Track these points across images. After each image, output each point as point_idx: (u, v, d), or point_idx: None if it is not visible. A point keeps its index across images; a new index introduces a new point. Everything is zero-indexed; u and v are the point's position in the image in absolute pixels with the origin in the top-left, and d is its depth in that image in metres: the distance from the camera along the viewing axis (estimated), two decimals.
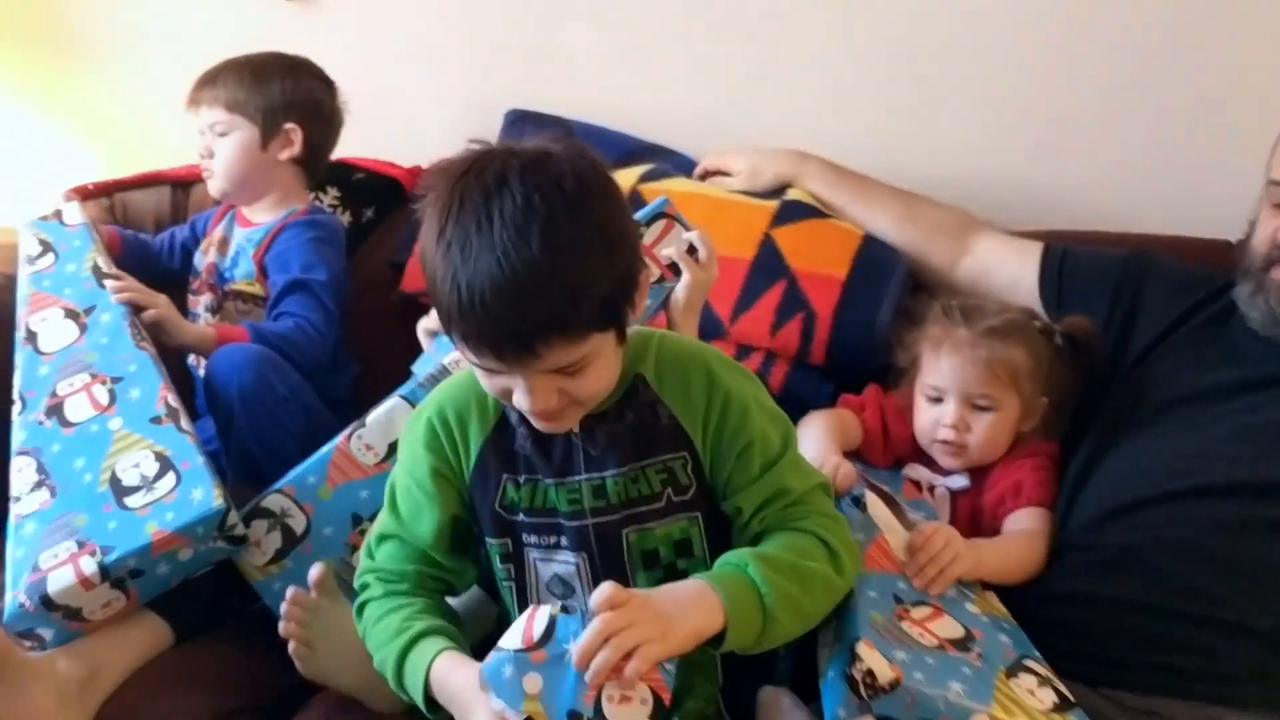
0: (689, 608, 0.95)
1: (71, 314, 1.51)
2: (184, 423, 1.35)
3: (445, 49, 2.07)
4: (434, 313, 1.30)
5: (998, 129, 1.84)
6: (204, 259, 1.74)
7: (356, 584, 1.13)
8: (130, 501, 1.28)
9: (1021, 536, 1.33)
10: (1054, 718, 1.04)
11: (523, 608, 1.06)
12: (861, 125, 1.89)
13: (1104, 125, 1.80)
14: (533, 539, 1.09)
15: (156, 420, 1.36)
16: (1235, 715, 1.13)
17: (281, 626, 1.21)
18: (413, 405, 1.32)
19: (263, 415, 1.43)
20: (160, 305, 1.53)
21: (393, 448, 1.31)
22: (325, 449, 1.35)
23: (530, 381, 0.96)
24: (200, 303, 1.70)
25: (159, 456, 1.31)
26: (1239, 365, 1.37)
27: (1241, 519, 1.22)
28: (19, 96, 2.23)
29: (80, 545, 1.24)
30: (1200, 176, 1.73)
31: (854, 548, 1.09)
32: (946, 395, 1.40)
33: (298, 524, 1.33)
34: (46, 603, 1.21)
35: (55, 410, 1.39)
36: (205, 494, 1.26)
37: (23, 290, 1.58)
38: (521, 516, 1.08)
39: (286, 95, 1.70)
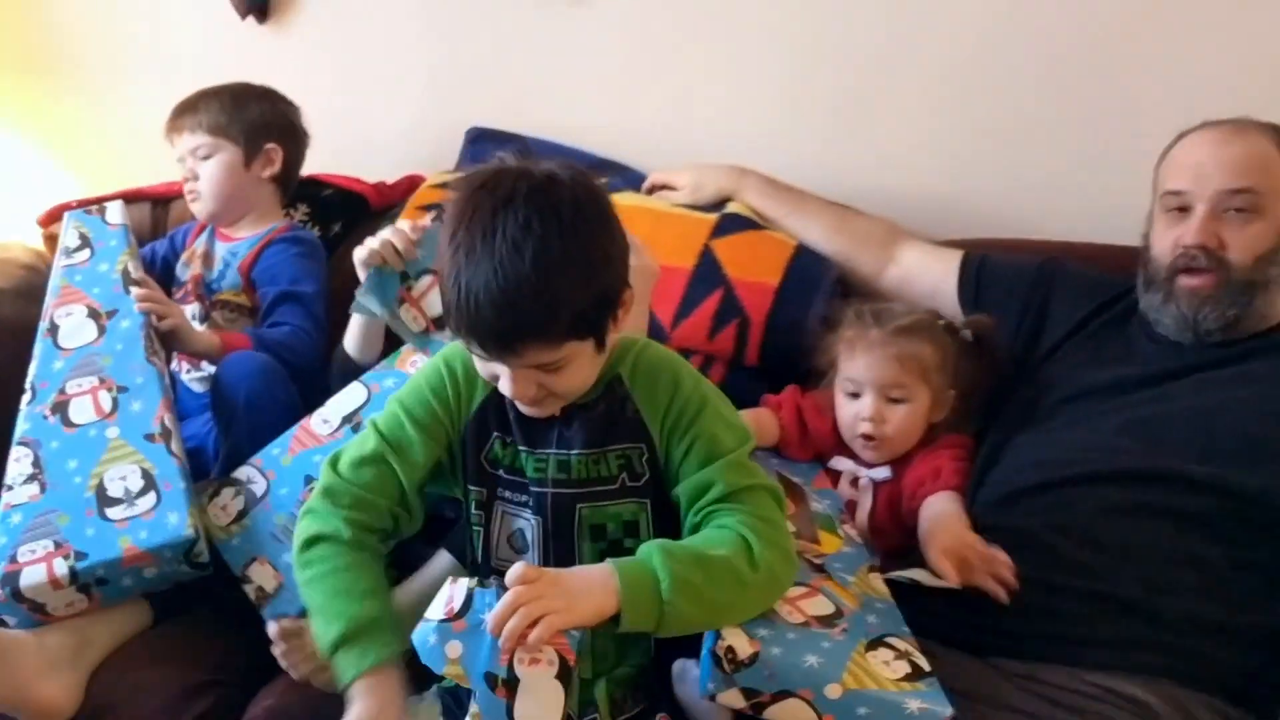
0: (593, 588, 1.07)
1: (94, 314, 1.58)
2: (174, 445, 1.44)
3: (408, 70, 2.17)
4: (366, 243, 1.47)
5: (922, 145, 1.95)
6: (188, 270, 1.84)
7: (316, 502, 1.20)
8: (111, 513, 1.37)
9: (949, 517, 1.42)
10: (902, 685, 1.14)
11: (487, 553, 1.20)
12: (797, 141, 1.99)
13: (1021, 141, 1.90)
14: (505, 494, 1.21)
15: (150, 437, 1.44)
16: (1103, 677, 1.23)
17: (275, 650, 1.32)
18: (367, 387, 1.47)
19: (264, 421, 1.53)
20: (176, 315, 1.63)
21: (345, 419, 1.45)
22: (292, 429, 1.47)
23: (513, 373, 1.09)
24: (187, 311, 1.79)
25: (145, 473, 1.40)
26: (1132, 364, 1.49)
27: (1123, 504, 1.34)
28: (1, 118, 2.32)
29: (57, 546, 1.34)
30: (1111, 187, 1.82)
31: (789, 553, 1.16)
32: (863, 389, 1.52)
33: (259, 488, 1.44)
34: (16, 594, 1.32)
35: (61, 408, 1.48)
36: (180, 520, 1.36)
37: (55, 281, 1.64)
38: (501, 472, 1.20)
39: (265, 116, 1.82)
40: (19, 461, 1.44)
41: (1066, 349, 1.57)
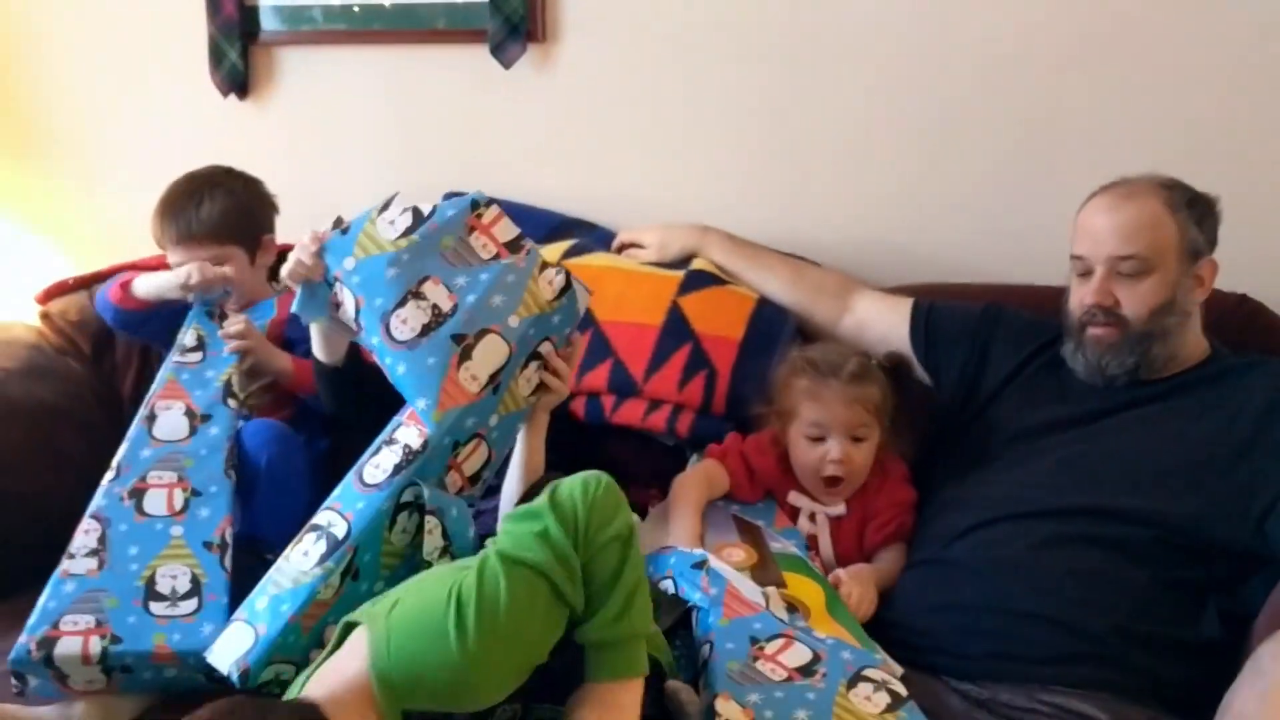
0: (617, 702, 1.22)
1: (190, 414, 1.67)
2: (227, 560, 1.52)
3: (382, 140, 2.27)
4: (287, 262, 1.53)
5: (871, 198, 2.08)
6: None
7: None
8: (155, 607, 1.45)
9: (894, 566, 1.63)
10: (885, 717, 1.27)
11: None
12: (754, 199, 2.12)
13: (961, 191, 2.03)
14: None
15: (209, 545, 1.52)
16: (1056, 696, 1.36)
17: None
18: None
19: (282, 483, 1.64)
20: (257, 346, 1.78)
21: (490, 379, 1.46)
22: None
23: None
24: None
25: (195, 579, 1.48)
26: (1065, 404, 1.64)
27: (1059, 536, 1.48)
28: None
29: (99, 624, 1.41)
30: (1046, 231, 1.89)
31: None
32: (829, 433, 1.66)
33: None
34: (48, 660, 1.39)
35: (137, 494, 1.56)
36: (213, 632, 1.41)
37: (163, 374, 1.74)
38: None
39: (256, 211, 1.92)
40: (87, 534, 1.51)
41: (1008, 391, 1.71)
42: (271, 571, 1.42)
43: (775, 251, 1.99)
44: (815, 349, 1.74)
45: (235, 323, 1.79)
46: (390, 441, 1.48)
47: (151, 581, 1.47)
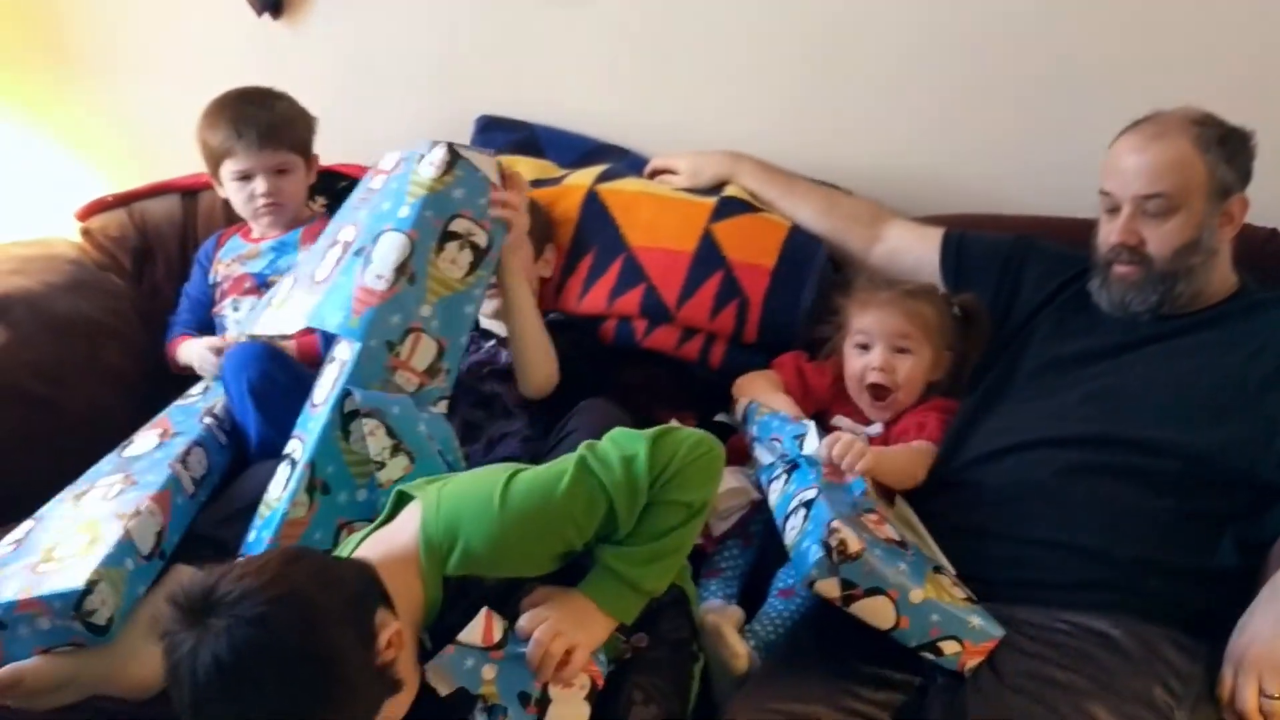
0: (589, 614, 1.25)
1: (164, 434, 1.66)
2: (134, 523, 1.45)
3: (417, 61, 2.26)
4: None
5: (906, 129, 2.08)
6: (228, 272, 1.96)
7: None
8: (41, 568, 1.40)
9: (912, 452, 1.62)
10: (966, 603, 1.37)
11: None
12: (788, 127, 2.11)
13: (996, 117, 2.03)
14: None
15: (121, 515, 1.47)
16: (1074, 615, 1.41)
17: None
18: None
19: (274, 402, 1.66)
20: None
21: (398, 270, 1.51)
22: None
23: None
24: (245, 305, 1.91)
25: (90, 541, 1.43)
26: (1093, 337, 1.65)
27: (1082, 464, 1.51)
28: (22, 115, 2.38)
29: None
30: (1083, 162, 1.84)
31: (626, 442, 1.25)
32: (873, 340, 1.70)
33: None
34: None
35: (81, 496, 1.55)
36: (76, 575, 1.36)
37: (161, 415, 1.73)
38: None
39: (311, 127, 1.95)
40: (20, 527, 1.50)
41: (1036, 322, 1.73)
42: (260, 505, 1.52)
43: (808, 179, 1.99)
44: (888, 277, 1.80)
45: None
46: (330, 360, 1.57)
47: (50, 550, 1.44)
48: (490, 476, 1.25)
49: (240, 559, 1.19)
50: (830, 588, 1.33)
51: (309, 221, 1.96)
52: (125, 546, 1.43)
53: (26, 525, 1.51)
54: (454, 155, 1.57)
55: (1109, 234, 1.62)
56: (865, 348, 1.71)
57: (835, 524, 1.34)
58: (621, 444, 1.25)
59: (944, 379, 1.74)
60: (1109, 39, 1.96)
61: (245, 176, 1.89)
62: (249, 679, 1.04)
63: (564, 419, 1.66)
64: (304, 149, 1.94)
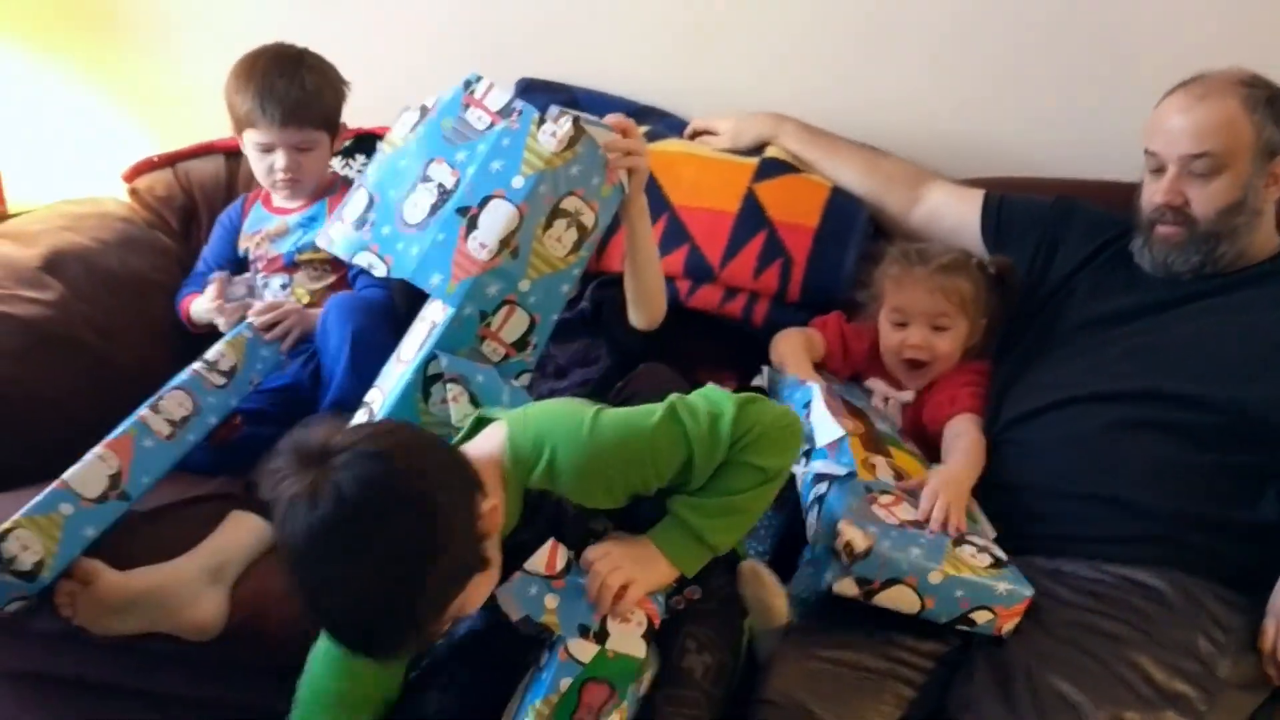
0: (652, 559, 1.28)
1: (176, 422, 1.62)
2: (72, 470, 1.46)
3: (456, 21, 2.25)
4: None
5: (940, 87, 2.09)
6: (262, 252, 1.96)
7: None
8: None
9: (976, 446, 1.60)
10: (990, 571, 1.38)
11: None
12: (830, 90, 2.13)
13: (1035, 80, 2.04)
14: None
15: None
16: (1119, 568, 1.44)
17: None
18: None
19: (370, 356, 1.64)
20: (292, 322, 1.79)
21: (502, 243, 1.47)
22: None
23: None
24: (274, 283, 1.94)
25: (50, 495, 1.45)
26: (1133, 294, 1.67)
27: (1123, 420, 1.53)
28: (70, 75, 2.39)
29: None
30: (1122, 126, 1.86)
31: (713, 400, 1.27)
32: (911, 319, 1.72)
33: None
34: None
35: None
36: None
37: (182, 381, 1.66)
38: None
39: (340, 96, 1.93)
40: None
41: (1075, 282, 1.74)
42: None
43: (849, 141, 2.01)
44: (919, 244, 1.79)
45: (268, 311, 1.78)
46: (421, 319, 1.55)
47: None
48: (577, 406, 1.28)
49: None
50: (848, 587, 1.35)
51: (333, 190, 1.96)
52: (58, 494, 1.45)
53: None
54: (579, 131, 1.51)
55: (1153, 194, 1.63)
56: (902, 325, 1.73)
57: (840, 525, 1.36)
58: (711, 400, 1.27)
59: (979, 342, 1.76)
60: (1152, 4, 1.96)
61: (267, 149, 1.88)
62: (366, 514, 1.07)
63: (624, 380, 1.65)
64: (330, 124, 1.91)
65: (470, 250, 1.47)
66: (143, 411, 1.58)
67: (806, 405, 1.57)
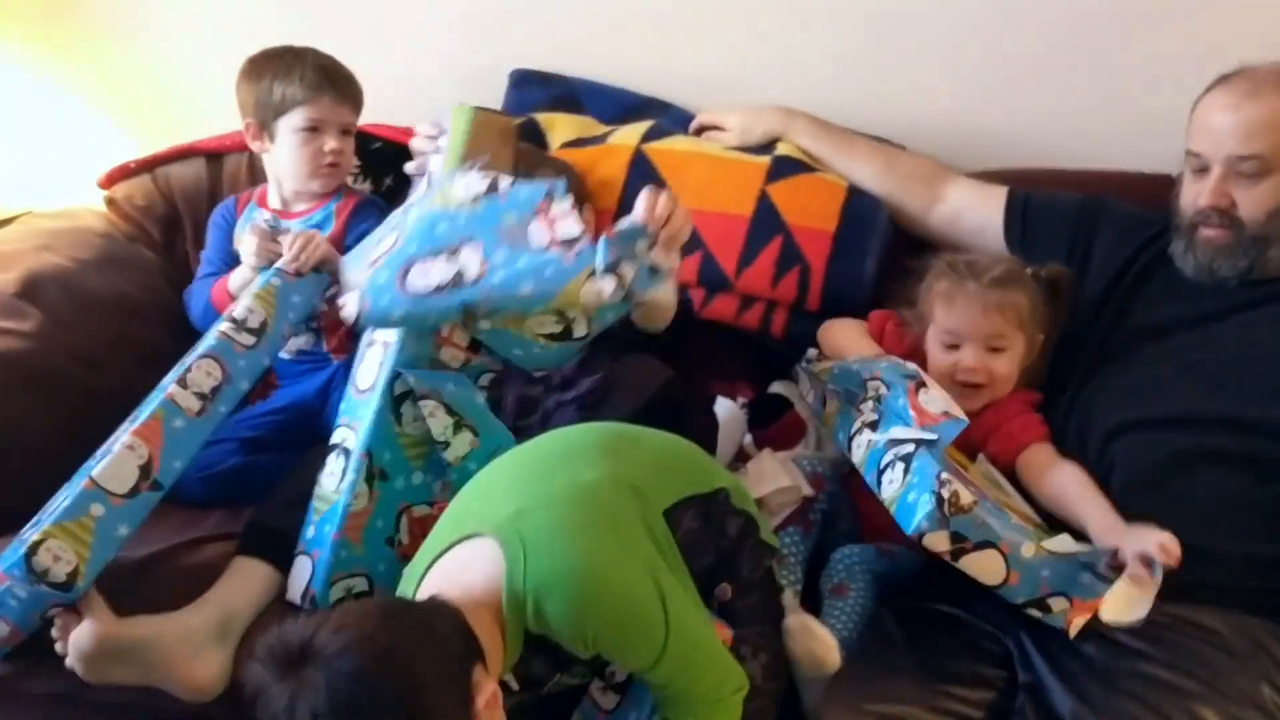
0: None
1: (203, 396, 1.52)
2: (100, 466, 1.40)
3: (447, 13, 2.16)
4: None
5: (955, 75, 2.00)
6: None
7: None
8: (26, 531, 1.39)
9: (1091, 483, 1.47)
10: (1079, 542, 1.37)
11: None
12: (837, 78, 2.03)
13: (1056, 68, 1.95)
14: None
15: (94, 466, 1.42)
16: (1176, 608, 1.35)
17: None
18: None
19: None
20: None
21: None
22: None
23: None
24: None
25: (81, 494, 1.38)
26: (1178, 302, 1.59)
27: (1184, 449, 1.46)
28: (42, 74, 2.28)
29: None
30: (1148, 113, 1.86)
31: None
32: (964, 341, 1.58)
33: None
34: None
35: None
36: (26, 538, 1.35)
37: (208, 345, 1.57)
38: None
39: None
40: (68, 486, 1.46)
41: (1117, 291, 1.66)
42: (313, 499, 1.49)
43: (863, 136, 1.92)
44: (966, 254, 1.65)
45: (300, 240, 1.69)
46: (369, 344, 1.52)
47: (40, 515, 1.41)
48: (573, 535, 1.20)
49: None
50: (940, 540, 1.30)
51: (339, 196, 1.87)
52: (87, 495, 1.39)
53: (68, 486, 1.48)
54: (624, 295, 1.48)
55: (1197, 195, 1.55)
56: (954, 346, 1.59)
57: (945, 475, 1.30)
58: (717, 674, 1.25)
59: (1036, 362, 1.63)
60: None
61: (315, 129, 1.79)
62: None
63: (609, 373, 1.60)
64: (359, 116, 1.87)
65: (455, 338, 1.51)
66: (169, 388, 1.49)
67: (909, 378, 1.48)
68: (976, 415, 1.59)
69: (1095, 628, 1.34)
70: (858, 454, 1.48)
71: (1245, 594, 1.39)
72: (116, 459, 1.42)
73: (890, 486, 1.38)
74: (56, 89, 2.30)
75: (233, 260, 1.87)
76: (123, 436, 1.45)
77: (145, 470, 1.43)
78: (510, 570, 1.16)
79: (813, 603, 1.52)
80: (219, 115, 1.95)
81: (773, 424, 1.77)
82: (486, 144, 1.63)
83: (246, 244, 1.75)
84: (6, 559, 1.35)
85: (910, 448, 1.39)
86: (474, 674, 1.09)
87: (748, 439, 1.77)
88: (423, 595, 1.18)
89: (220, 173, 2.08)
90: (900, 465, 1.38)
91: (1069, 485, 1.48)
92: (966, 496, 1.28)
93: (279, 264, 1.66)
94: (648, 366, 1.59)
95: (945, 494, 1.28)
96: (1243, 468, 1.44)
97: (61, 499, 1.42)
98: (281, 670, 1.03)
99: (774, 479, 1.57)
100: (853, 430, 1.51)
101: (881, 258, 1.79)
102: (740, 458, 1.71)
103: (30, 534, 1.36)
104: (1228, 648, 1.33)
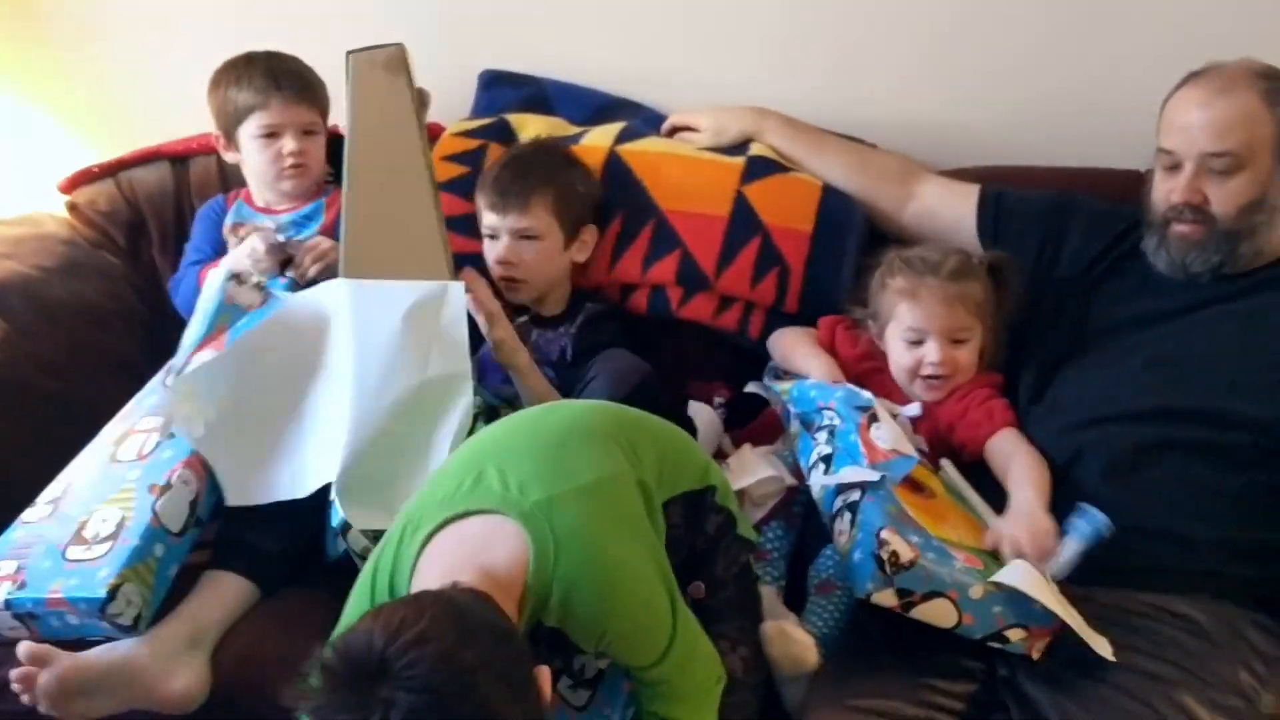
0: None
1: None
2: (161, 503, 1.41)
3: (418, 14, 2.11)
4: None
5: (928, 74, 2.00)
6: None
7: None
8: (71, 552, 1.37)
9: (1037, 466, 1.52)
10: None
11: None
12: (803, 76, 2.03)
13: (1027, 65, 1.96)
14: None
15: (153, 488, 1.42)
16: (1154, 596, 1.39)
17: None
18: None
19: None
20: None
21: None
22: None
23: None
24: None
25: (120, 522, 1.38)
26: (1149, 297, 1.61)
27: (1154, 440, 1.48)
28: (4, 80, 2.23)
29: (16, 571, 1.36)
30: (1120, 110, 1.83)
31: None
32: (928, 336, 1.61)
33: None
34: None
35: (121, 441, 1.50)
36: (105, 577, 1.33)
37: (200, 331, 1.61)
38: None
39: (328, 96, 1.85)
40: (57, 481, 1.47)
41: (1088, 282, 1.68)
42: None
43: (835, 135, 1.93)
44: (913, 249, 1.69)
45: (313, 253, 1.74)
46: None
47: (83, 526, 1.40)
48: (604, 533, 1.20)
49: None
50: (888, 597, 1.32)
51: (327, 191, 1.86)
52: (154, 533, 1.39)
53: (65, 479, 1.48)
54: None
55: (1169, 192, 1.57)
56: (918, 343, 1.62)
57: (884, 534, 1.32)
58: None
59: (992, 347, 1.67)
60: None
61: (272, 134, 1.79)
62: None
63: (587, 367, 1.64)
64: (326, 114, 1.85)
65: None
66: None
67: (862, 409, 1.51)
68: (942, 404, 1.62)
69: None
70: (815, 491, 1.51)
71: (1219, 579, 1.41)
72: (175, 495, 1.42)
73: (840, 538, 1.41)
74: (13, 94, 2.25)
75: (222, 248, 1.85)
76: (175, 468, 1.45)
77: (193, 506, 1.44)
78: (538, 561, 1.15)
79: (796, 596, 1.53)
80: (179, 118, 1.93)
81: (751, 422, 1.77)
82: (374, 84, 1.66)
83: (247, 244, 1.74)
84: (79, 592, 1.33)
85: (856, 494, 1.41)
86: (534, 671, 1.07)
87: (725, 439, 1.77)
88: (430, 556, 1.16)
89: (186, 176, 2.05)
90: (848, 515, 1.40)
91: (1014, 471, 1.52)
92: (906, 553, 1.30)
93: (291, 273, 1.70)
94: (629, 361, 1.62)
95: (884, 555, 1.31)
96: (1209, 458, 1.46)
97: (102, 490, 1.43)
98: (349, 685, 0.97)
99: (756, 470, 1.58)
100: (810, 462, 1.53)
101: (859, 259, 1.79)
102: (718, 457, 1.71)
103: (103, 571, 1.34)
104: (1206, 635, 1.35)
